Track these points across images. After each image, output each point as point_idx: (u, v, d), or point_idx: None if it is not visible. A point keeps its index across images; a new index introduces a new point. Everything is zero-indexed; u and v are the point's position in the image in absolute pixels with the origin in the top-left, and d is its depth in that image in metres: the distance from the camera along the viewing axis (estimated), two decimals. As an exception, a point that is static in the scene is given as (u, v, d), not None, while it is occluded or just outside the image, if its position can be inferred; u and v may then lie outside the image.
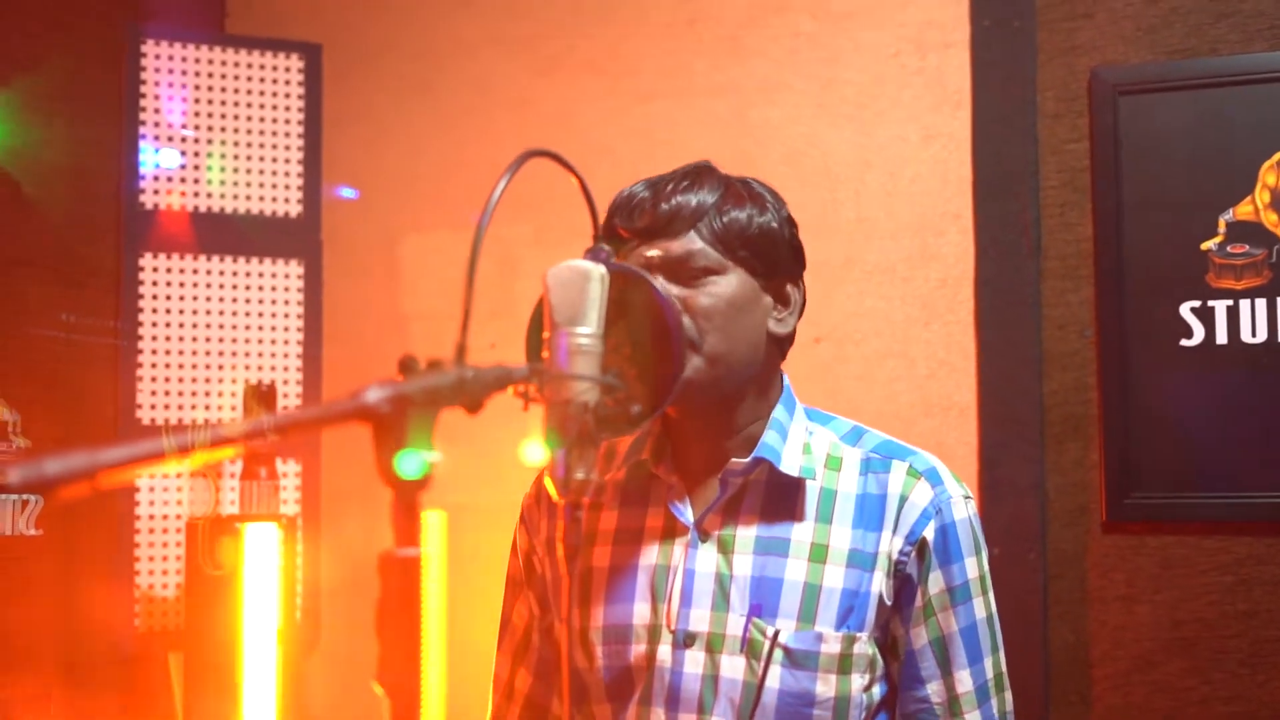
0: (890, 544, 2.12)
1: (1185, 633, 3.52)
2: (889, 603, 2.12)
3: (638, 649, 2.16)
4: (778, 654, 2.07)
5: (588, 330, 1.71)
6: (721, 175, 2.22)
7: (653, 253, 2.12)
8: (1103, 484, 3.57)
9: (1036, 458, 3.62)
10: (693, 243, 2.11)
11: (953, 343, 3.75)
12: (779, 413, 2.20)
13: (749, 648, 2.09)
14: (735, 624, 2.10)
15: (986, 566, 2.20)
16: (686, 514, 2.18)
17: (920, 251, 3.79)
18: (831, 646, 2.07)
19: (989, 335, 3.70)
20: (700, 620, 2.12)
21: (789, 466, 2.15)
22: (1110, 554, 3.57)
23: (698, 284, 2.11)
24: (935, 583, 2.13)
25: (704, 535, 2.16)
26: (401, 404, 1.39)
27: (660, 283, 2.08)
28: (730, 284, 2.12)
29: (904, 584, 2.13)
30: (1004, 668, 2.20)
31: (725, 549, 2.14)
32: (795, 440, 2.19)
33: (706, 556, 2.14)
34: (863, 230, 3.85)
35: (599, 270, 1.73)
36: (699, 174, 2.19)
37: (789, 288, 2.21)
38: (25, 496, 3.81)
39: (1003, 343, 3.68)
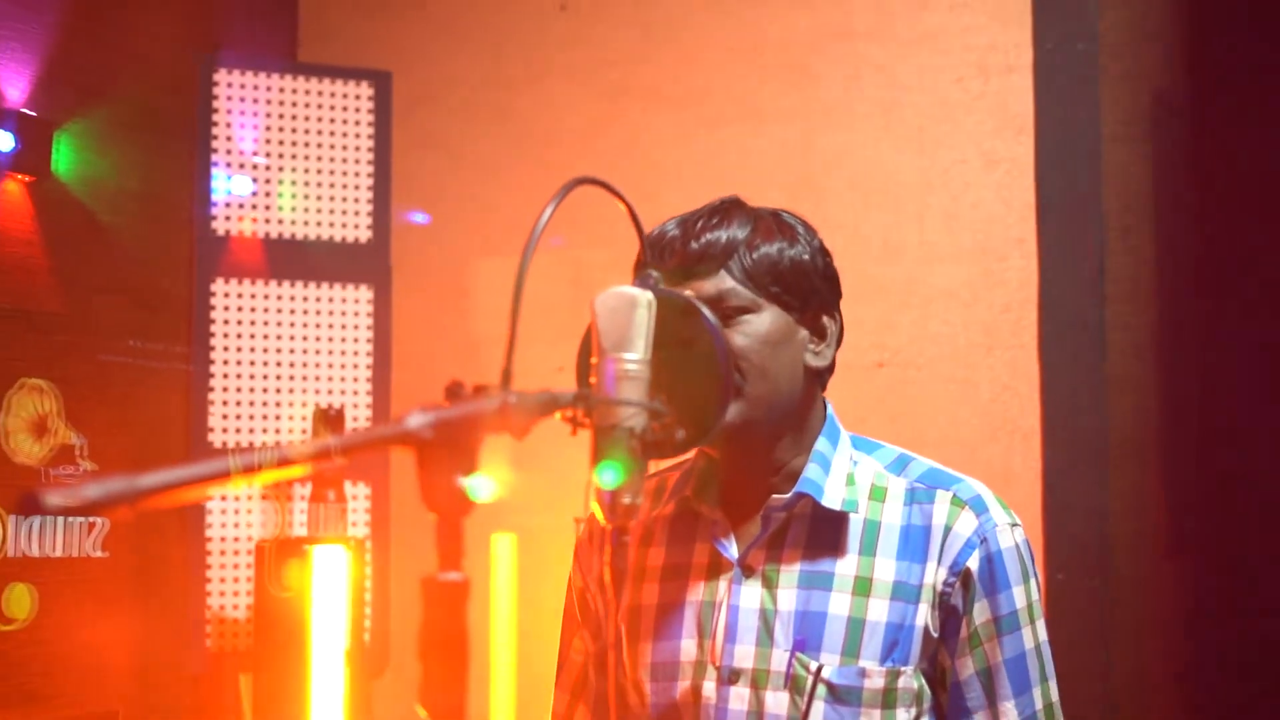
0: (935, 575, 2.10)
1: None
2: (935, 635, 2.10)
3: (684, 685, 2.15)
4: (821, 689, 2.06)
5: (635, 356, 1.72)
6: (751, 209, 2.19)
7: (685, 293, 2.11)
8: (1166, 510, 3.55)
9: (1101, 483, 3.60)
10: (723, 282, 2.09)
11: (1016, 367, 3.74)
12: (821, 444, 2.17)
13: (792, 683, 2.07)
14: (779, 659, 2.09)
15: (1036, 595, 2.16)
16: (731, 550, 2.17)
17: (983, 276, 3.78)
18: (875, 681, 2.06)
19: (1052, 360, 3.68)
20: (745, 656, 2.11)
21: (831, 500, 2.13)
22: (1173, 580, 3.55)
23: (731, 324, 2.08)
24: (981, 613, 2.10)
25: (748, 571, 2.15)
26: (444, 429, 1.41)
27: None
28: (764, 321, 2.10)
29: (949, 615, 2.10)
30: (1055, 698, 2.15)
31: (769, 584, 2.13)
32: (838, 472, 2.16)
33: (751, 592, 2.13)
34: (925, 254, 3.84)
35: (646, 297, 1.74)
36: (728, 210, 2.17)
37: (824, 319, 2.18)
38: (91, 519, 3.86)
39: (1066, 367, 3.66)
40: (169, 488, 1.27)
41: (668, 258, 2.12)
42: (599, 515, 1.71)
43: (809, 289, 2.15)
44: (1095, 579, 3.57)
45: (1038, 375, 3.71)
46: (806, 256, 2.15)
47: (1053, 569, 3.60)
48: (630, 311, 1.73)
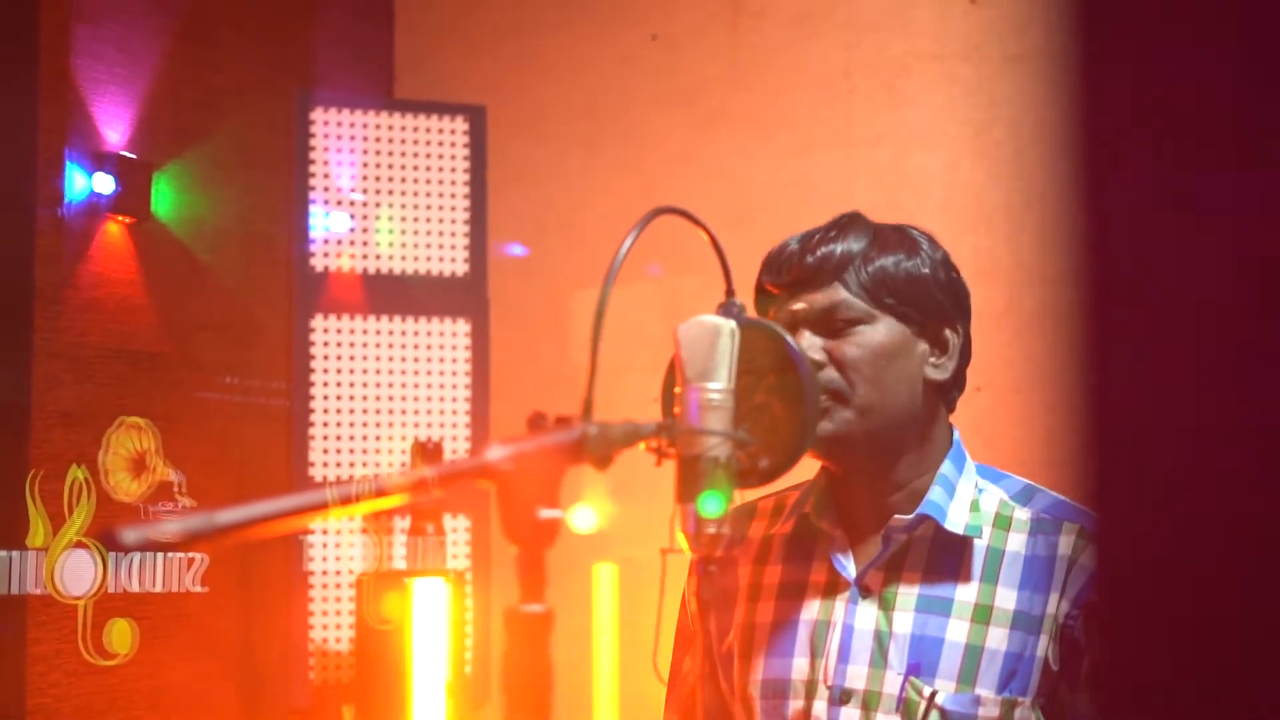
0: (1057, 607, 2.04)
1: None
2: (1055, 668, 2.05)
3: (795, 705, 2.13)
4: (934, 715, 2.02)
5: (718, 385, 1.71)
6: (871, 223, 2.17)
7: (798, 306, 2.09)
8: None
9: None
10: (837, 293, 2.07)
11: (1117, 389, 3.68)
12: (947, 468, 2.13)
13: (904, 707, 2.04)
14: (892, 682, 2.06)
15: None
16: (849, 569, 2.14)
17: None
18: (990, 710, 2.01)
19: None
20: (857, 677, 2.08)
21: (954, 524, 2.09)
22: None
23: (845, 335, 2.06)
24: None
25: (865, 591, 2.12)
26: (523, 461, 1.41)
27: (806, 338, 2.06)
28: (879, 333, 2.07)
29: (1071, 649, 2.04)
30: None
31: (886, 606, 2.10)
32: (963, 497, 2.12)
33: (866, 613, 2.11)
34: (1021, 276, 3.81)
35: (729, 325, 1.73)
36: (847, 224, 2.15)
37: (946, 332, 2.13)
38: (190, 555, 3.91)
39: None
40: (251, 523, 1.28)
41: (784, 272, 2.11)
42: (683, 547, 1.70)
43: (928, 301, 2.10)
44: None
45: (1137, 396, 3.66)
46: (926, 269, 2.11)
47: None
48: (713, 340, 1.72)
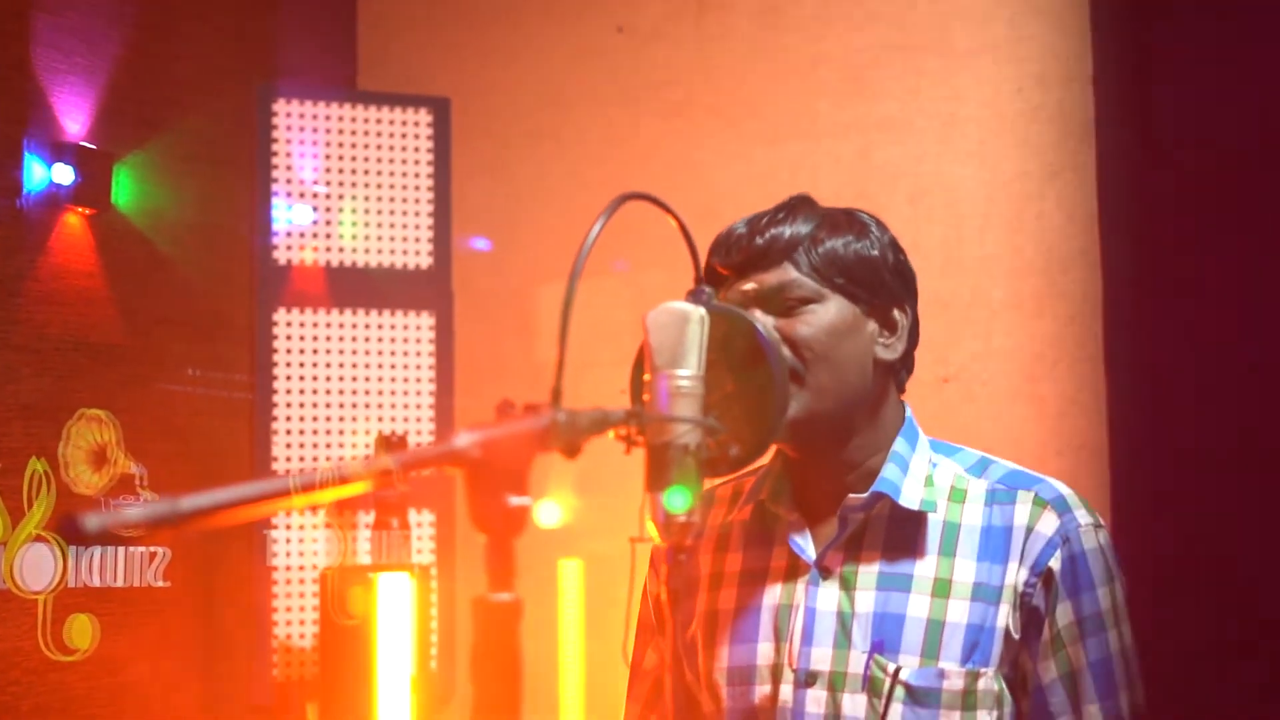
0: (1016, 576, 2.06)
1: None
2: (1016, 637, 2.06)
3: (761, 690, 2.13)
4: (899, 691, 2.03)
5: (688, 372, 1.70)
6: (819, 206, 2.19)
7: (748, 286, 2.10)
8: (1241, 524, 3.48)
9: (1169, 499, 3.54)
10: (787, 273, 2.08)
11: (1082, 380, 3.69)
12: (899, 445, 2.15)
13: (870, 686, 2.05)
14: (857, 662, 2.06)
15: (1121, 598, 2.11)
16: (808, 551, 2.14)
17: (1048, 288, 3.74)
18: (954, 683, 2.02)
19: (1120, 373, 3.64)
20: (822, 659, 2.09)
21: (909, 500, 2.10)
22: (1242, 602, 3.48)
23: (795, 314, 2.07)
24: (1064, 614, 2.06)
25: (825, 573, 2.12)
26: (492, 448, 1.39)
27: (760, 319, 2.05)
28: (829, 311, 2.08)
29: (1031, 617, 2.06)
30: (1141, 702, 2.11)
31: (847, 586, 2.11)
32: (916, 473, 2.14)
33: (828, 594, 2.11)
34: (988, 268, 3.81)
35: (698, 312, 1.72)
36: (795, 206, 2.16)
37: (895, 313, 2.15)
38: (152, 549, 3.88)
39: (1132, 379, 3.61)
40: (214, 509, 1.26)
41: (734, 254, 2.11)
42: (653, 535, 1.69)
43: (877, 282, 2.12)
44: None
45: (1104, 388, 3.66)
46: (875, 251, 2.13)
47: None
48: (682, 327, 1.71)
